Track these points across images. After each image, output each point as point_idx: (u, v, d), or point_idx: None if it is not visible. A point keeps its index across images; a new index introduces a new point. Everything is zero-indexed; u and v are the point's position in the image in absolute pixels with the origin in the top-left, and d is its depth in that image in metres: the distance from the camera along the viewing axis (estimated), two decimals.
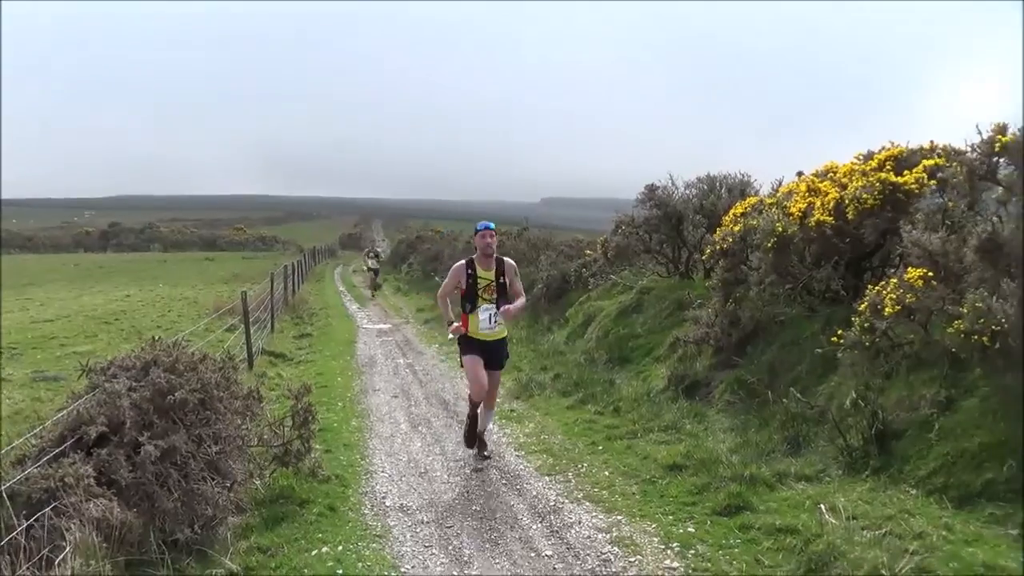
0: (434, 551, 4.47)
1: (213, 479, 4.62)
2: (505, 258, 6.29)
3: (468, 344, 6.21)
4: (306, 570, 4.20)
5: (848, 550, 3.77)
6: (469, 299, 6.17)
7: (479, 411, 6.32)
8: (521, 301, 6.29)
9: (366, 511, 5.14)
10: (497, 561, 4.32)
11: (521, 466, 6.07)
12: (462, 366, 6.35)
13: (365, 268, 27.36)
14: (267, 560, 4.31)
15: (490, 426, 6.81)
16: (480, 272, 6.17)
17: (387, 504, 5.28)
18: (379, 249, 25.46)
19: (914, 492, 4.58)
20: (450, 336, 6.41)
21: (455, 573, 4.19)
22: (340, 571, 4.21)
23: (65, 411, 4.52)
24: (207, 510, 4.45)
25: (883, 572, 3.53)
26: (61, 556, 3.59)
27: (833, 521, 4.16)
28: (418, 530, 4.80)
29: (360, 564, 4.30)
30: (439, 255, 28.20)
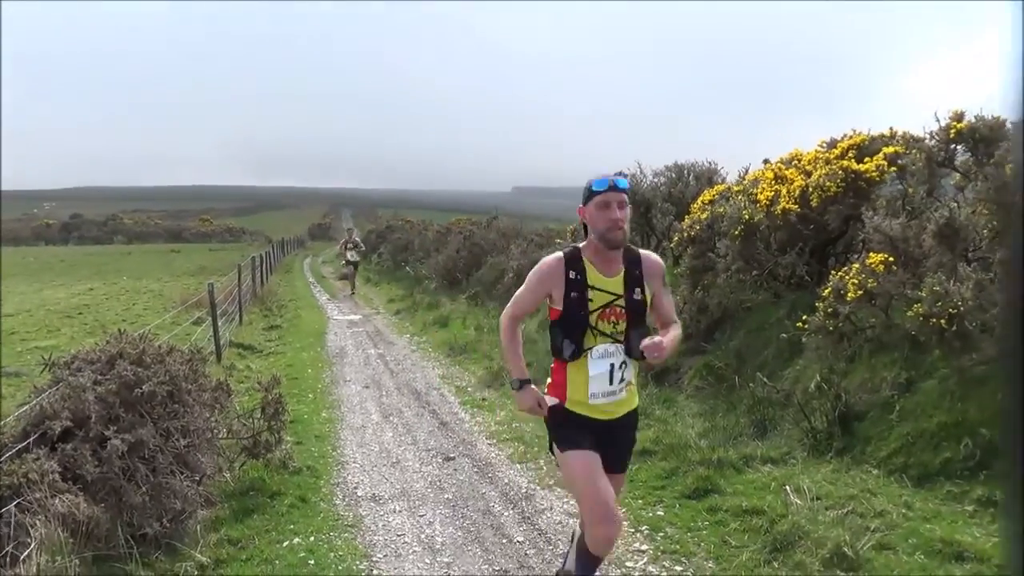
0: (406, 540, 4.49)
1: (182, 472, 4.58)
2: (644, 251, 3.33)
3: (569, 425, 3.18)
4: (277, 561, 4.19)
5: (812, 529, 3.86)
6: (569, 332, 3.17)
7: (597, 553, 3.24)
8: (677, 331, 3.29)
9: (337, 501, 5.13)
10: (469, 548, 4.35)
11: (493, 454, 6.10)
12: (557, 466, 3.42)
13: (343, 262, 22.67)
14: (237, 552, 4.29)
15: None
16: (595, 278, 3.16)
17: (359, 494, 5.27)
18: (358, 239, 21.99)
19: (876, 472, 4.71)
20: (524, 410, 3.28)
21: (427, 561, 4.21)
22: (312, 561, 4.21)
23: (28, 406, 4.44)
24: (176, 504, 4.41)
25: (846, 550, 3.62)
26: (26, 552, 3.54)
27: (798, 502, 4.26)
28: (390, 519, 4.81)
29: (332, 554, 4.30)
30: (409, 244, 28.05)
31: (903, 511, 4.11)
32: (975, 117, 6.18)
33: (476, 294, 16.50)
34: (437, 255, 21.41)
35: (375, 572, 4.11)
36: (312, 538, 4.50)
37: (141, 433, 4.36)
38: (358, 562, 4.22)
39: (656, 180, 12.21)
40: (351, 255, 20.75)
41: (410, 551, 4.35)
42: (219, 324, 10.62)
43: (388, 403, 8.03)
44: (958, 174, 6.56)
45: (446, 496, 5.19)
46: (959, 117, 6.27)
